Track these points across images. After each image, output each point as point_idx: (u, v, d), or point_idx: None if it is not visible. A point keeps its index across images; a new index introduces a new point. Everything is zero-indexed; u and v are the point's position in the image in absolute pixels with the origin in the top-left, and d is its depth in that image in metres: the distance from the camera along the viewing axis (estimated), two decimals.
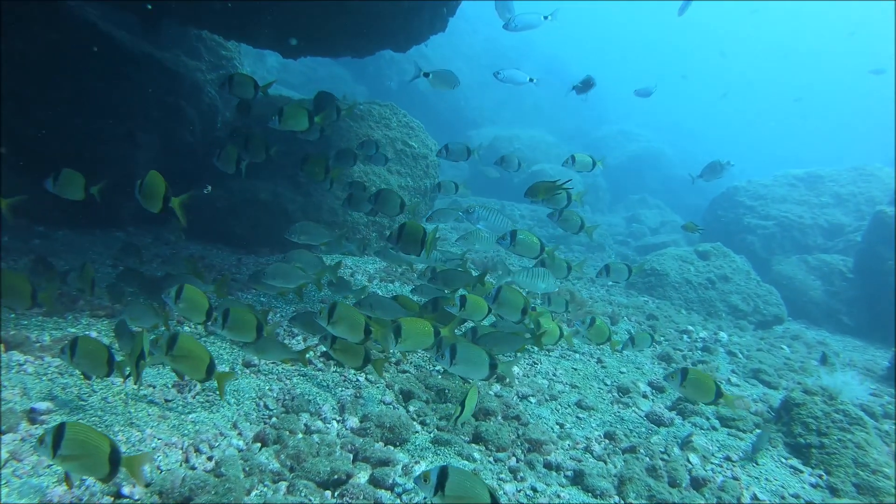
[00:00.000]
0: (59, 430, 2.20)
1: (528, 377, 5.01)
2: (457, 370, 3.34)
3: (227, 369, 4.02)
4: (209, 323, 3.23)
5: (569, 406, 4.65)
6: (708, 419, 4.76)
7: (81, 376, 3.49)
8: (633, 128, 22.36)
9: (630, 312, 7.82)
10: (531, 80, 7.02)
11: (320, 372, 4.34)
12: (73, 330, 4.16)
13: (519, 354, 5.11)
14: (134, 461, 2.32)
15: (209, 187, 7.90)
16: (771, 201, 12.48)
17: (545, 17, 6.88)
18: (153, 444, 3.00)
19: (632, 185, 18.87)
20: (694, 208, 16.56)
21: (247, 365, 4.15)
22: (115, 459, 2.23)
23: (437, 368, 4.69)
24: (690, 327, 7.56)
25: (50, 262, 5.22)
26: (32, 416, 3.06)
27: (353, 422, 3.70)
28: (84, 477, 2.63)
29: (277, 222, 8.38)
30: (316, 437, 3.42)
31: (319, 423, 3.59)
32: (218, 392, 3.26)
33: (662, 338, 6.93)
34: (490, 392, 4.52)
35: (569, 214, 5.47)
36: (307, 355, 4.49)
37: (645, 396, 5.04)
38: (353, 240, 8.39)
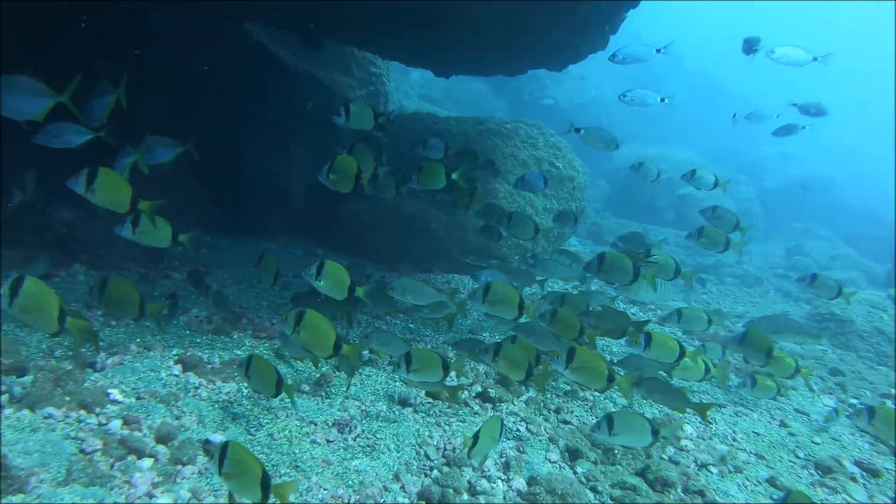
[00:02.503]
0: (224, 449, 2.24)
1: (704, 440, 4.39)
2: (616, 441, 3.17)
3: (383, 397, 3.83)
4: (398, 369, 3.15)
5: (759, 483, 3.99)
6: None
7: (253, 395, 3.45)
8: (796, 149, 20.21)
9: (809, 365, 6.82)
10: (663, 100, 6.42)
11: (477, 416, 4.03)
12: (239, 352, 4.17)
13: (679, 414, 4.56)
14: (284, 488, 2.30)
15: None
16: None
17: (658, 51, 6.28)
18: (320, 496, 2.83)
19: (792, 212, 16.97)
20: (874, 242, 14.53)
21: (403, 403, 3.94)
22: (265, 485, 2.22)
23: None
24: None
25: (203, 277, 5.31)
26: (208, 447, 3.01)
27: (520, 483, 3.34)
28: (242, 500, 2.56)
29: (420, 240, 8.31)
30: (482, 500, 3.11)
31: (484, 483, 3.26)
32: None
33: (857, 400, 5.93)
34: (663, 456, 3.98)
35: (712, 233, 4.94)
36: (461, 395, 4.23)
37: (854, 479, 4.22)
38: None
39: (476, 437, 2.80)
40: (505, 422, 3.99)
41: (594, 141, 5.52)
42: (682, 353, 3.56)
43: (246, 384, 3.33)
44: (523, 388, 4.54)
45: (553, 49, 6.71)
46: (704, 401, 5.07)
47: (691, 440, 4.30)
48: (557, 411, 4.26)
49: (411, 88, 15.81)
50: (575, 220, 7.41)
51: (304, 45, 8.46)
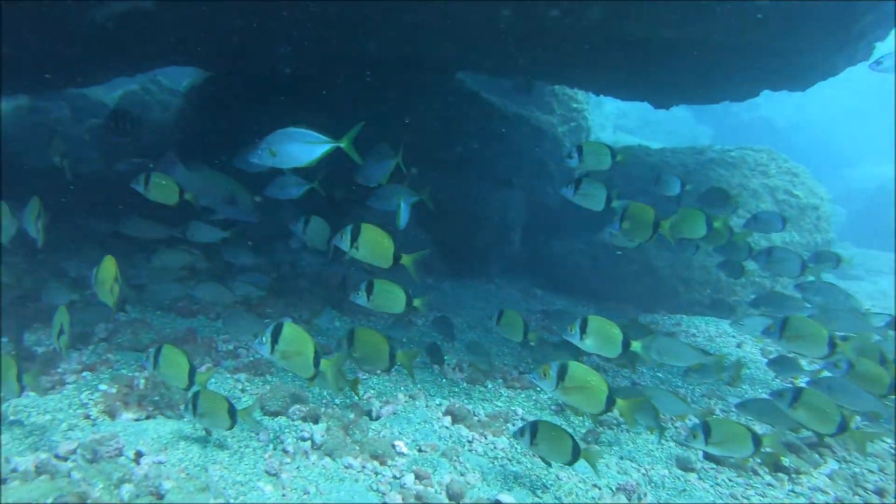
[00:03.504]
0: None
1: None
2: None
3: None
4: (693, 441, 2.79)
5: None
6: None
7: (540, 460, 3.27)
8: None
9: None
10: None
11: (772, 488, 3.49)
12: (499, 404, 4.10)
13: None
14: None
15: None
16: None
17: None
18: None
19: None
20: None
21: (684, 468, 3.54)
22: None
23: None
24: None
25: (450, 324, 5.28)
26: None
27: None
28: None
29: (641, 279, 7.84)
30: None
31: None
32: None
33: None
34: None
35: None
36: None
37: None
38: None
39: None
40: (814, 500, 3.40)
41: None
42: None
43: (530, 450, 3.14)
44: (816, 455, 3.89)
45: (805, 68, 5.94)
46: None
47: None
48: (881, 494, 3.53)
49: (606, 120, 15.38)
50: (837, 260, 6.35)
51: (515, 90, 8.56)
